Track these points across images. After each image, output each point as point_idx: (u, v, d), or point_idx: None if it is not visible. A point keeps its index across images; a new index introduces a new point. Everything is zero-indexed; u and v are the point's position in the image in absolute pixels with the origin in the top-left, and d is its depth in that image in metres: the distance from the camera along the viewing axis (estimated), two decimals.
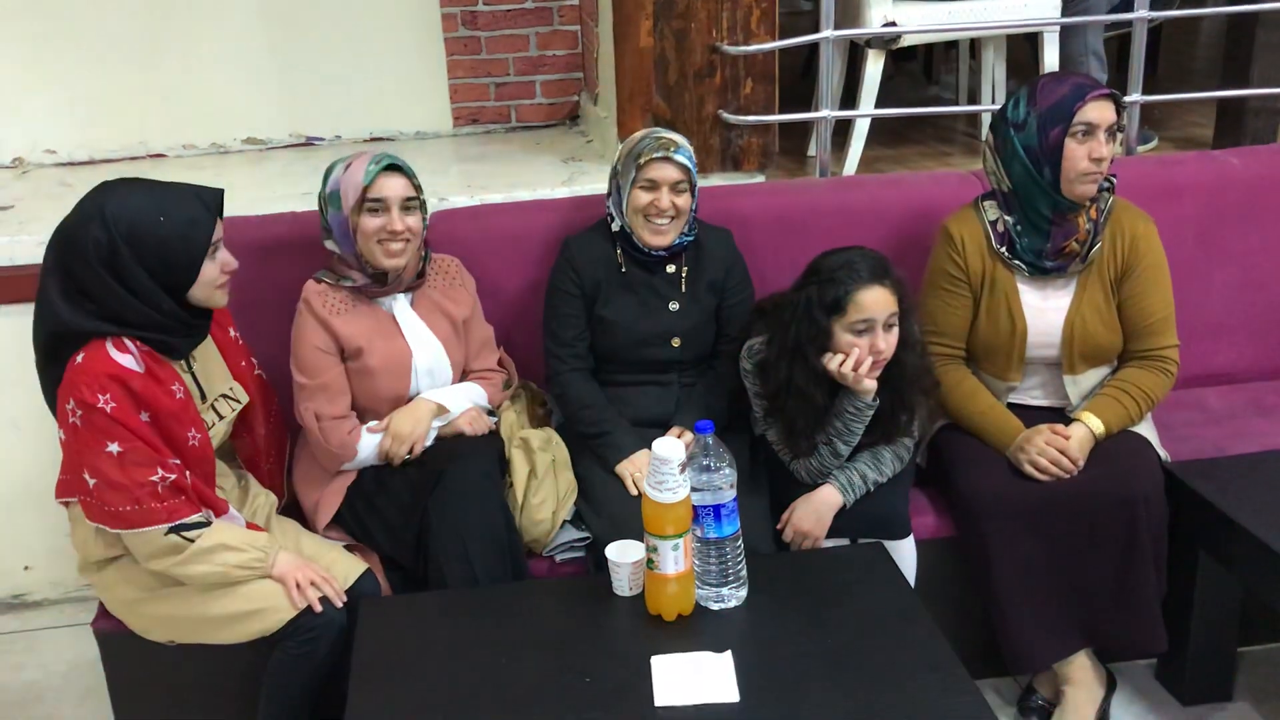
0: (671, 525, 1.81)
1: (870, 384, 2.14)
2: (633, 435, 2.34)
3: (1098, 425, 2.25)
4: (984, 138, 2.34)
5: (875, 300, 2.09)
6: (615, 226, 2.38)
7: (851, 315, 2.10)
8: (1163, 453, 2.34)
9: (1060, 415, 2.36)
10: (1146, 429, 2.37)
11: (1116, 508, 2.16)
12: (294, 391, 2.25)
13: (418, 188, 2.25)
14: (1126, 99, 2.98)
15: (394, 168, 2.22)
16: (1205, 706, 2.36)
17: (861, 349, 2.11)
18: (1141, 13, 2.89)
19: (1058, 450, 2.21)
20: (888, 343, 2.12)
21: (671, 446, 1.79)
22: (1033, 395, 2.41)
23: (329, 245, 2.27)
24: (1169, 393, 2.37)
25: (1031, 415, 2.36)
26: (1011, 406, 2.38)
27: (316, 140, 3.63)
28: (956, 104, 3.83)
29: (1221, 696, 2.37)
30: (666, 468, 1.79)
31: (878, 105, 3.24)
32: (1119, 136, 2.24)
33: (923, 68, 4.31)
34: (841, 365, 2.11)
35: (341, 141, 3.62)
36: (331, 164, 2.28)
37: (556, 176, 3.08)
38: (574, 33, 3.61)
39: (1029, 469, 2.22)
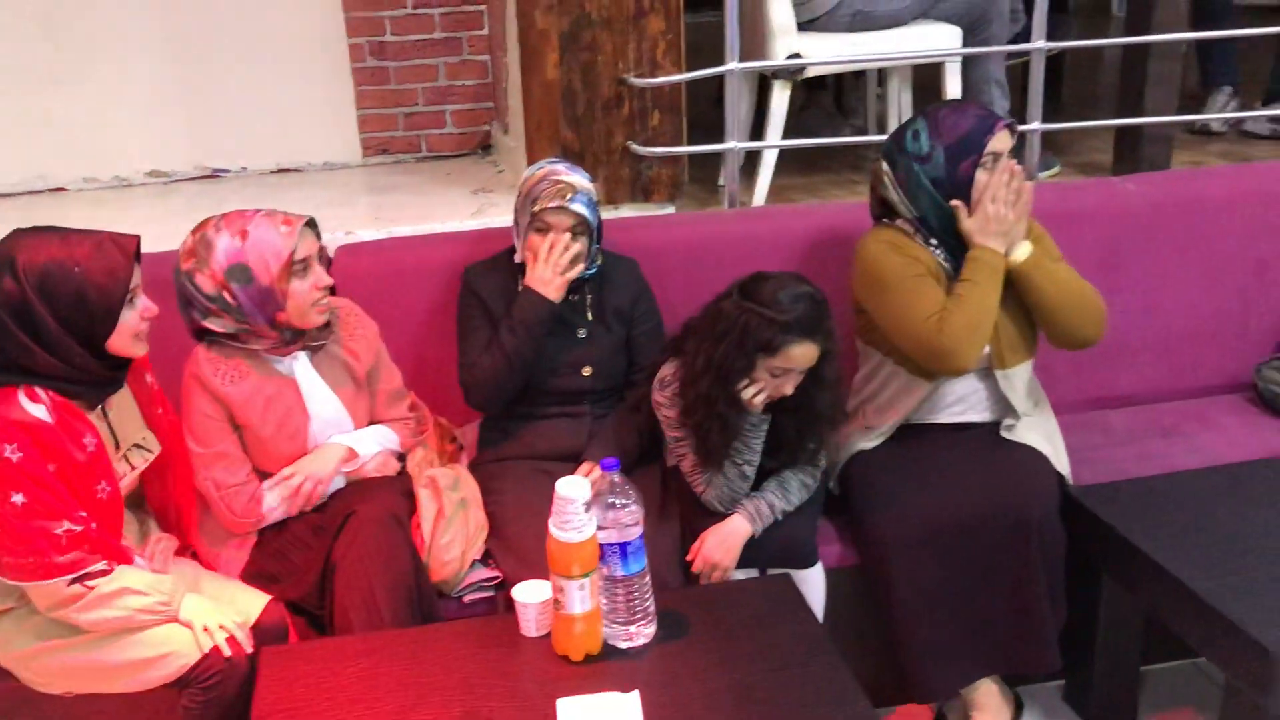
0: (577, 565, 1.80)
1: (759, 400, 2.16)
2: None
3: (1026, 248, 2.27)
4: (878, 169, 2.35)
5: (803, 355, 2.13)
6: (519, 257, 2.37)
7: (778, 362, 2.12)
8: (1065, 469, 2.37)
9: (988, 431, 2.38)
10: (1052, 443, 2.40)
11: (1013, 533, 2.19)
12: (191, 459, 2.18)
13: (319, 237, 2.19)
14: (1026, 127, 3.06)
15: (309, 224, 2.14)
16: None
17: (770, 388, 2.15)
18: (1039, 43, 2.96)
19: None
20: (792, 387, 2.16)
21: (575, 486, 1.78)
22: (961, 410, 2.41)
23: (213, 324, 2.12)
24: (1101, 313, 2.36)
25: (967, 432, 2.38)
26: (945, 426, 2.39)
27: (222, 172, 3.57)
28: (867, 132, 3.88)
29: (1126, 716, 2.41)
30: (571, 507, 1.77)
31: (789, 135, 3.27)
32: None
33: (834, 97, 4.37)
34: (747, 394, 2.14)
35: (248, 174, 3.56)
36: (195, 240, 2.10)
37: (466, 207, 3.06)
38: (483, 62, 3.60)
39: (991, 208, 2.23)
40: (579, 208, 2.30)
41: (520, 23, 2.90)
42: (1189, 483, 2.37)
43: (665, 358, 2.34)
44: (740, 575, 2.22)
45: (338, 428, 2.26)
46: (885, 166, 2.34)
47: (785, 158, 3.34)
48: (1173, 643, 2.18)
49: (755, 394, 2.15)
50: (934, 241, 2.31)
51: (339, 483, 2.23)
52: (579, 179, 2.33)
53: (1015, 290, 2.30)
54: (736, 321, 2.12)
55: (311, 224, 2.14)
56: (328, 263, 2.23)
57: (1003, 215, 2.23)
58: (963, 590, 2.22)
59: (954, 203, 2.25)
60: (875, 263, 2.32)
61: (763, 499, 2.23)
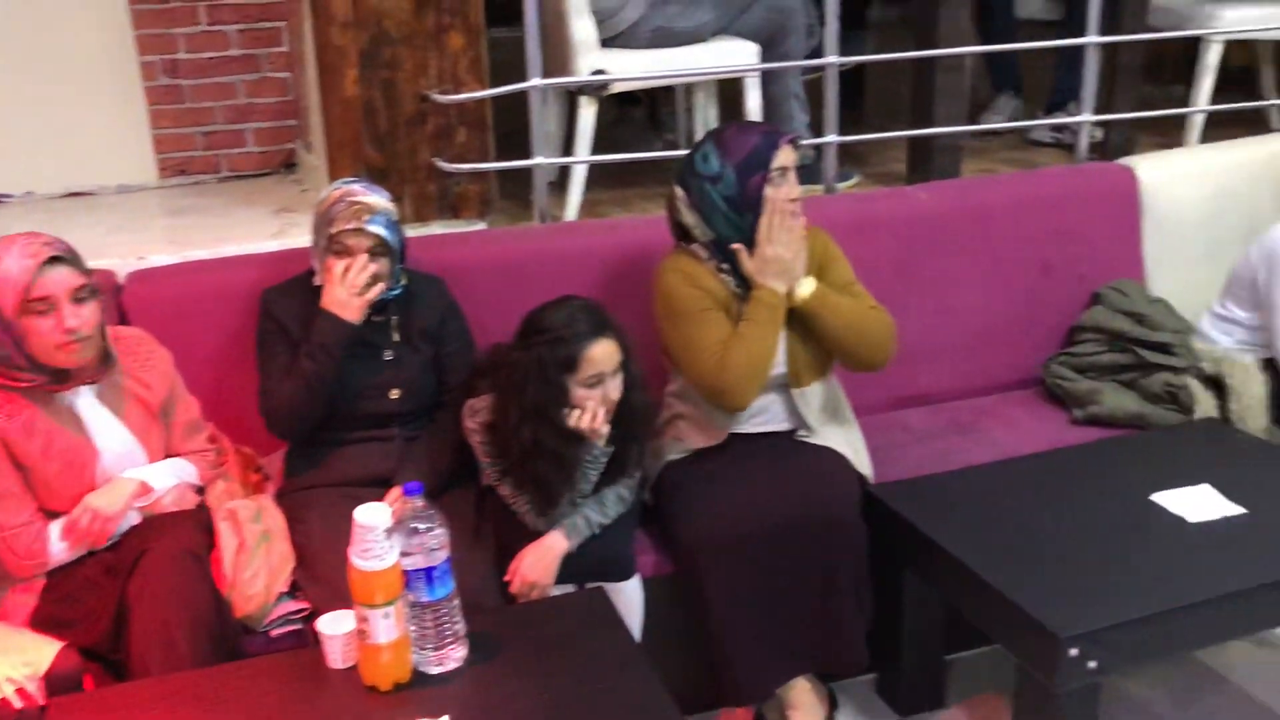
0: (380, 593, 1.76)
1: (605, 430, 2.18)
2: None
3: (809, 285, 2.35)
4: (672, 193, 2.39)
5: (604, 353, 2.16)
6: (318, 280, 2.31)
7: (584, 371, 2.15)
8: (867, 470, 2.46)
9: (790, 437, 2.46)
10: (853, 446, 2.48)
11: (817, 534, 2.25)
12: None
13: (86, 273, 2.05)
14: (822, 140, 3.16)
15: (57, 259, 2.00)
16: (920, 715, 2.49)
17: (595, 401, 2.16)
18: (832, 59, 3.06)
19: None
20: (617, 389, 2.20)
21: (375, 513, 1.74)
22: (764, 420, 2.47)
23: None
24: (888, 339, 2.45)
25: (764, 441, 2.44)
26: (742, 436, 2.44)
27: (6, 198, 3.37)
28: (679, 145, 3.94)
29: (935, 704, 2.50)
30: (371, 535, 1.74)
31: (604, 149, 3.30)
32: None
33: (648, 111, 4.42)
34: (580, 420, 2.15)
35: (34, 198, 3.38)
36: None
37: (267, 228, 2.97)
38: (284, 80, 3.51)
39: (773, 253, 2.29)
40: (377, 229, 2.26)
41: (316, 40, 2.83)
42: (983, 477, 2.49)
43: (476, 380, 2.32)
44: (557, 591, 2.22)
45: (130, 462, 2.16)
46: (679, 190, 2.38)
47: (599, 172, 3.36)
48: (976, 630, 2.28)
49: (591, 417, 2.15)
50: (726, 267, 2.36)
51: (132, 519, 2.13)
52: (377, 199, 2.29)
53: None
54: (530, 360, 2.15)
55: (64, 259, 2.01)
56: (101, 296, 2.10)
57: (780, 256, 2.31)
58: (773, 592, 2.27)
59: (735, 246, 2.33)
60: (666, 293, 2.38)
61: (580, 514, 2.24)
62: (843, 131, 3.20)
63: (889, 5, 5.75)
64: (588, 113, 3.12)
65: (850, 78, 4.10)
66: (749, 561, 2.26)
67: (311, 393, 2.26)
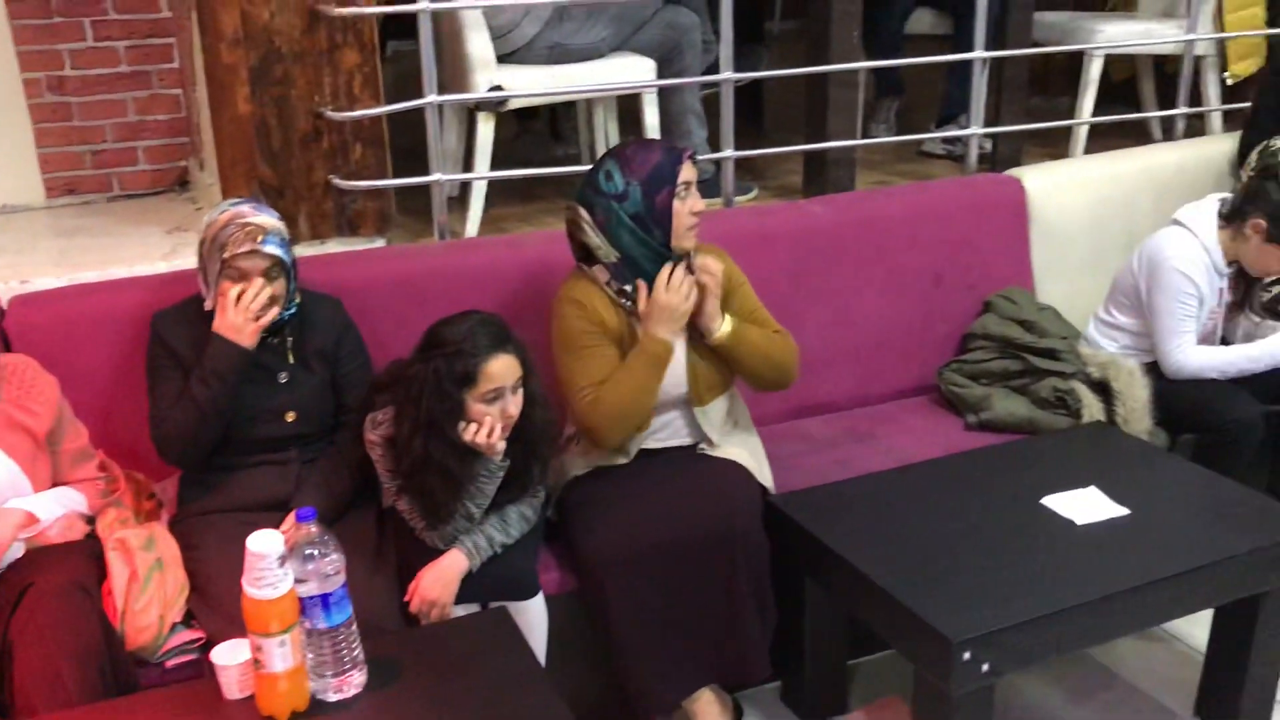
0: (275, 621, 1.74)
1: (501, 446, 2.18)
2: None
3: (727, 325, 2.38)
4: (574, 215, 2.39)
5: (503, 368, 2.15)
6: (209, 304, 2.27)
7: (482, 386, 2.14)
8: (768, 480, 2.49)
9: (692, 451, 2.48)
10: (755, 457, 2.52)
11: (719, 545, 2.27)
12: None
13: None
14: (720, 155, 3.20)
15: None
16: None
17: (493, 416, 2.16)
18: (727, 74, 3.10)
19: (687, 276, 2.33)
20: (516, 405, 2.19)
21: (267, 540, 1.72)
22: (666, 436, 2.49)
23: None
24: (794, 362, 2.52)
25: (665, 456, 2.46)
26: (645, 450, 2.46)
27: None
28: (581, 158, 3.95)
29: (838, 709, 2.54)
30: (263, 563, 1.71)
31: (504, 163, 3.29)
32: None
33: (548, 125, 4.43)
34: (476, 435, 2.14)
35: None
36: None
37: (159, 249, 2.91)
38: (176, 97, 3.44)
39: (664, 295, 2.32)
40: (272, 249, 2.23)
41: (206, 58, 2.79)
42: (880, 484, 2.53)
43: (376, 394, 2.30)
44: (461, 611, 2.21)
45: (14, 492, 2.10)
46: (582, 210, 2.38)
47: (500, 187, 3.35)
48: (876, 636, 2.32)
49: (486, 432, 2.15)
50: (630, 289, 2.37)
51: (17, 551, 2.07)
52: (268, 219, 2.26)
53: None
54: (427, 372, 2.14)
55: None
56: None
57: (673, 305, 2.33)
58: (676, 605, 2.28)
59: (639, 282, 2.35)
60: (558, 322, 2.40)
61: (482, 533, 2.23)
62: (742, 145, 3.24)
63: (787, 17, 5.83)
64: (486, 129, 3.12)
65: (749, 91, 4.17)
66: (652, 575, 2.27)
67: (204, 419, 2.22)
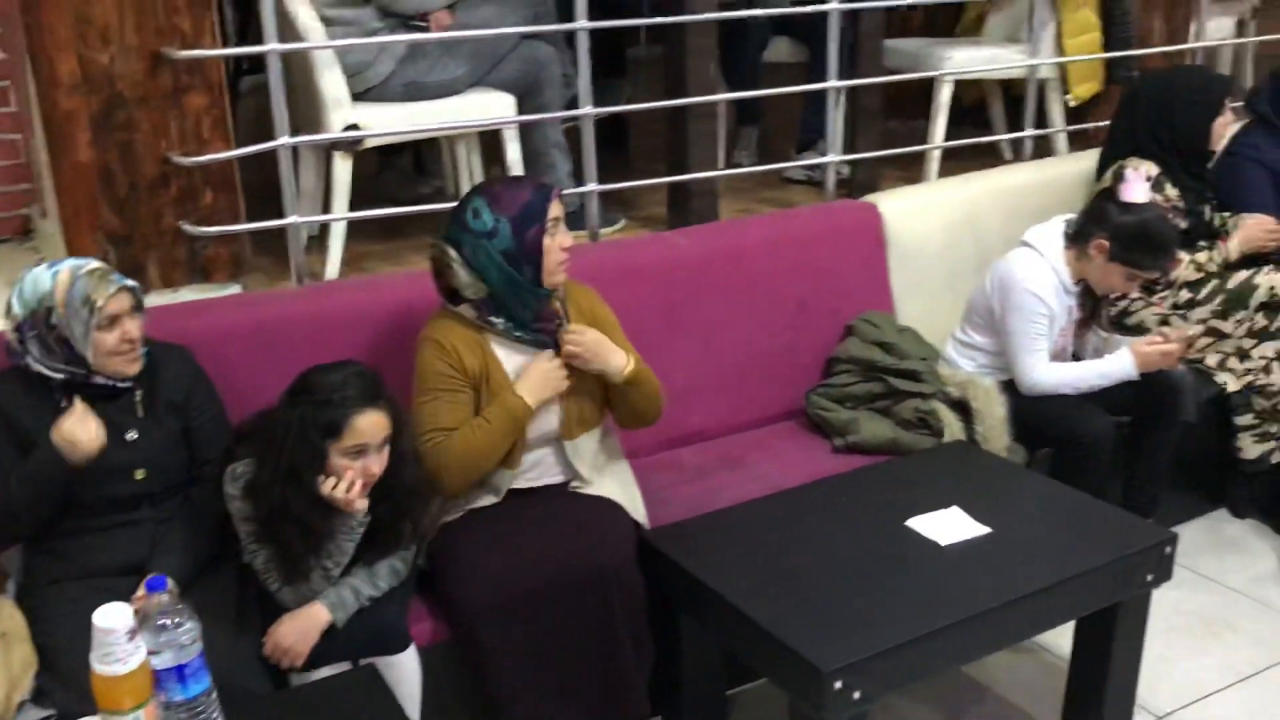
0: (128, 698, 1.66)
1: (362, 504, 2.13)
2: None
3: (630, 366, 2.41)
4: (441, 253, 2.37)
5: (371, 424, 2.11)
6: (38, 368, 2.16)
7: (347, 439, 2.10)
8: (641, 515, 2.49)
9: (564, 490, 2.46)
10: (627, 492, 2.51)
11: (593, 585, 2.26)
12: None
13: None
14: (583, 189, 3.20)
15: None
16: None
17: (355, 472, 2.11)
18: (587, 109, 3.10)
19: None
20: (380, 464, 2.15)
21: (114, 614, 1.64)
22: (537, 475, 2.47)
23: None
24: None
25: (537, 495, 2.44)
26: (516, 491, 2.43)
27: None
28: (445, 192, 3.91)
29: None
30: (111, 638, 1.64)
31: (366, 199, 3.24)
32: None
33: (412, 159, 4.37)
34: (334, 489, 2.09)
35: None
36: None
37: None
38: (15, 142, 3.30)
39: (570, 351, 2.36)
40: (129, 283, 2.16)
41: (42, 105, 2.67)
42: (751, 513, 2.54)
43: (239, 445, 2.24)
44: (329, 671, 2.15)
45: None
46: (450, 249, 2.36)
47: (362, 224, 3.29)
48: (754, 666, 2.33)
49: (346, 487, 2.10)
50: (497, 320, 2.36)
51: None
52: (98, 262, 2.19)
53: (585, 379, 2.42)
54: (293, 419, 2.08)
55: None
56: None
57: (550, 373, 2.36)
58: (552, 648, 2.26)
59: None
60: (418, 362, 2.37)
61: (347, 586, 2.18)
62: (607, 174, 3.25)
63: (652, 43, 5.88)
64: (343, 169, 3.06)
65: (613, 120, 4.19)
66: (526, 620, 2.24)
67: (15, 518, 2.13)
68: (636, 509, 2.49)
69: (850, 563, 2.31)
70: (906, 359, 3.07)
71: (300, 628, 2.12)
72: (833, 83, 3.50)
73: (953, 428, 2.91)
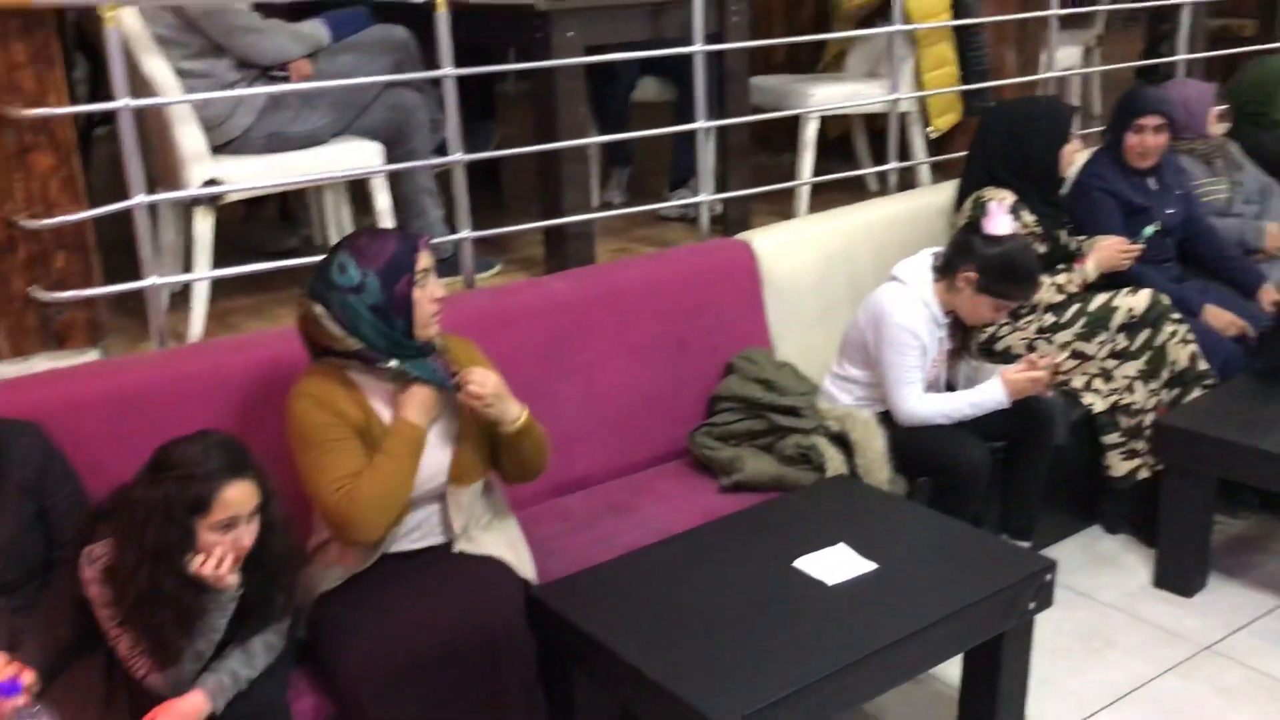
0: None
1: (233, 579, 2.05)
2: None
3: (522, 416, 2.37)
4: (308, 311, 2.30)
5: (239, 495, 2.03)
6: None
7: (215, 514, 2.01)
8: (529, 572, 2.44)
9: (448, 549, 2.40)
10: (514, 549, 2.46)
11: (480, 649, 2.20)
12: None
13: None
14: (456, 236, 3.15)
15: None
16: None
17: (226, 546, 2.03)
18: (456, 156, 3.06)
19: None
20: (251, 535, 2.07)
21: None
22: (419, 536, 2.40)
23: None
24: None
25: (420, 558, 2.37)
26: (397, 555, 2.36)
27: None
28: (314, 240, 3.82)
29: None
30: None
31: (231, 250, 3.14)
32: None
33: (279, 208, 4.26)
34: (204, 567, 2.01)
35: None
36: None
37: None
38: None
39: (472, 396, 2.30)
40: None
41: None
42: (640, 561, 2.52)
43: (98, 524, 2.13)
44: None
45: None
46: (318, 307, 2.29)
47: (229, 279, 3.18)
48: None
49: (216, 563, 2.01)
50: (391, 363, 2.30)
51: None
52: None
53: (472, 429, 2.38)
54: (155, 497, 1.99)
55: None
56: None
57: (427, 395, 2.31)
58: (441, 715, 2.19)
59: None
60: (296, 420, 2.28)
61: (223, 669, 2.08)
62: (480, 216, 3.22)
63: (521, 79, 5.86)
64: (204, 225, 2.96)
65: (485, 161, 4.14)
66: (413, 687, 2.17)
67: None
68: (524, 566, 2.44)
69: (742, 609, 2.30)
70: (786, 395, 3.09)
71: (178, 716, 2.02)
72: (702, 123, 3.52)
73: (834, 462, 2.93)
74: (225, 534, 2.03)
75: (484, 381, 2.32)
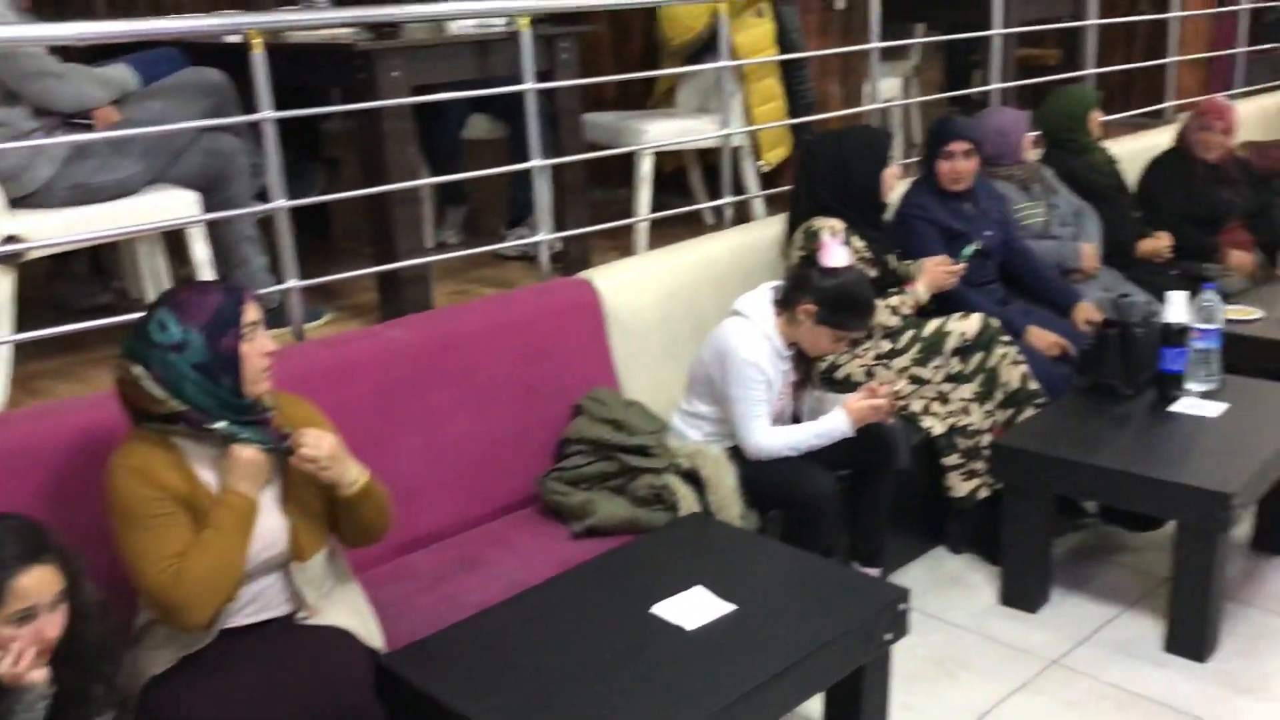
0: None
1: (41, 674, 1.87)
2: None
3: (361, 479, 2.25)
4: (126, 373, 2.14)
5: (37, 583, 1.86)
6: None
7: (11, 605, 1.84)
8: (377, 641, 2.32)
9: (289, 622, 2.26)
10: (360, 616, 2.34)
11: None
12: None
13: None
14: (282, 286, 3.01)
15: None
16: None
17: (25, 639, 1.85)
18: (279, 203, 2.93)
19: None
20: (55, 625, 1.90)
21: None
22: (257, 609, 2.25)
23: None
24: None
25: (259, 633, 2.22)
26: (234, 630, 2.21)
27: None
28: (129, 295, 3.60)
29: None
30: None
31: (37, 310, 2.93)
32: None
33: (89, 260, 4.01)
34: (2, 666, 1.83)
35: None
36: None
37: None
38: None
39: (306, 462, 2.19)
40: None
41: None
42: (492, 620, 2.43)
43: None
44: None
45: None
46: (137, 367, 2.14)
47: (35, 340, 2.95)
48: None
49: (15, 660, 1.83)
50: (219, 425, 2.16)
51: None
52: None
53: (311, 491, 2.26)
54: None
55: None
56: None
57: (256, 459, 2.17)
58: None
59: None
60: (116, 495, 2.12)
61: None
62: (309, 263, 3.08)
63: (347, 117, 5.70)
64: (3, 285, 2.74)
65: (314, 206, 3.99)
66: None
67: None
68: (371, 634, 2.32)
69: (600, 662, 2.24)
70: (636, 434, 3.05)
71: None
72: (536, 161, 3.47)
73: (687, 500, 2.90)
74: (23, 626, 1.85)
75: (318, 443, 2.20)
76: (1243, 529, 3.53)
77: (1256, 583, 3.39)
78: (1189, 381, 3.44)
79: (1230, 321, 3.72)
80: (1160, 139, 4.99)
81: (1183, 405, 3.37)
